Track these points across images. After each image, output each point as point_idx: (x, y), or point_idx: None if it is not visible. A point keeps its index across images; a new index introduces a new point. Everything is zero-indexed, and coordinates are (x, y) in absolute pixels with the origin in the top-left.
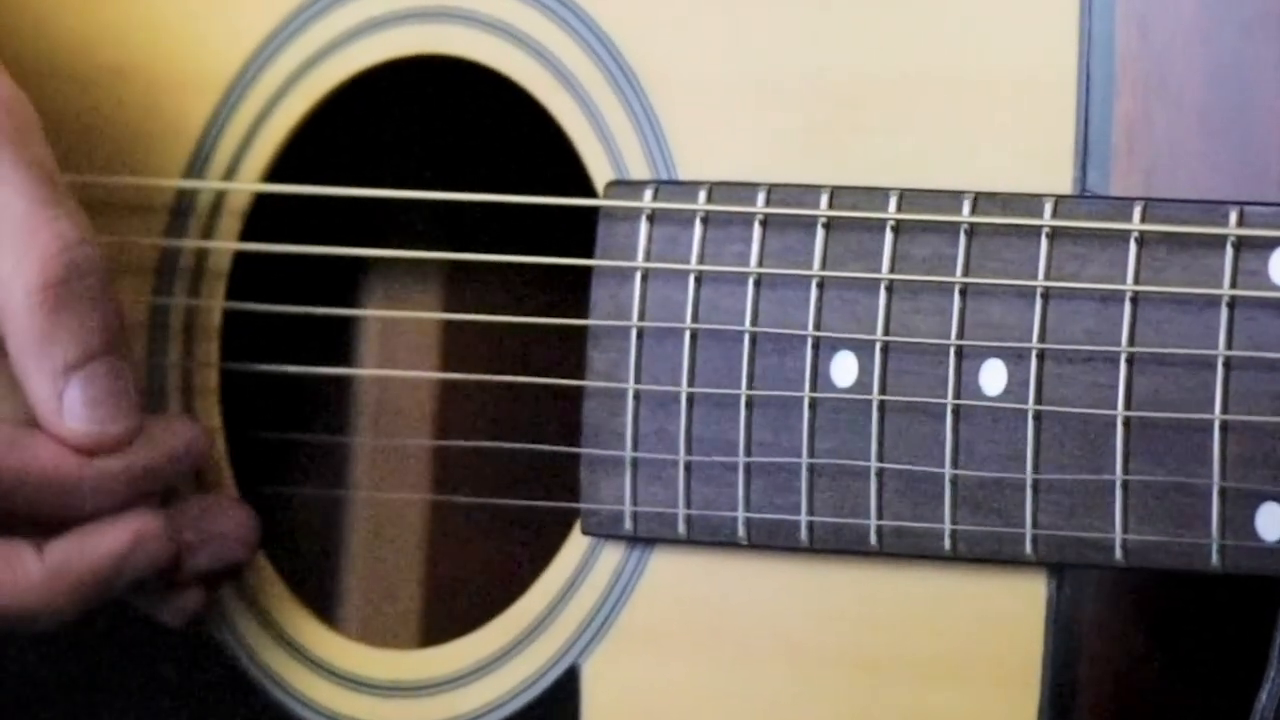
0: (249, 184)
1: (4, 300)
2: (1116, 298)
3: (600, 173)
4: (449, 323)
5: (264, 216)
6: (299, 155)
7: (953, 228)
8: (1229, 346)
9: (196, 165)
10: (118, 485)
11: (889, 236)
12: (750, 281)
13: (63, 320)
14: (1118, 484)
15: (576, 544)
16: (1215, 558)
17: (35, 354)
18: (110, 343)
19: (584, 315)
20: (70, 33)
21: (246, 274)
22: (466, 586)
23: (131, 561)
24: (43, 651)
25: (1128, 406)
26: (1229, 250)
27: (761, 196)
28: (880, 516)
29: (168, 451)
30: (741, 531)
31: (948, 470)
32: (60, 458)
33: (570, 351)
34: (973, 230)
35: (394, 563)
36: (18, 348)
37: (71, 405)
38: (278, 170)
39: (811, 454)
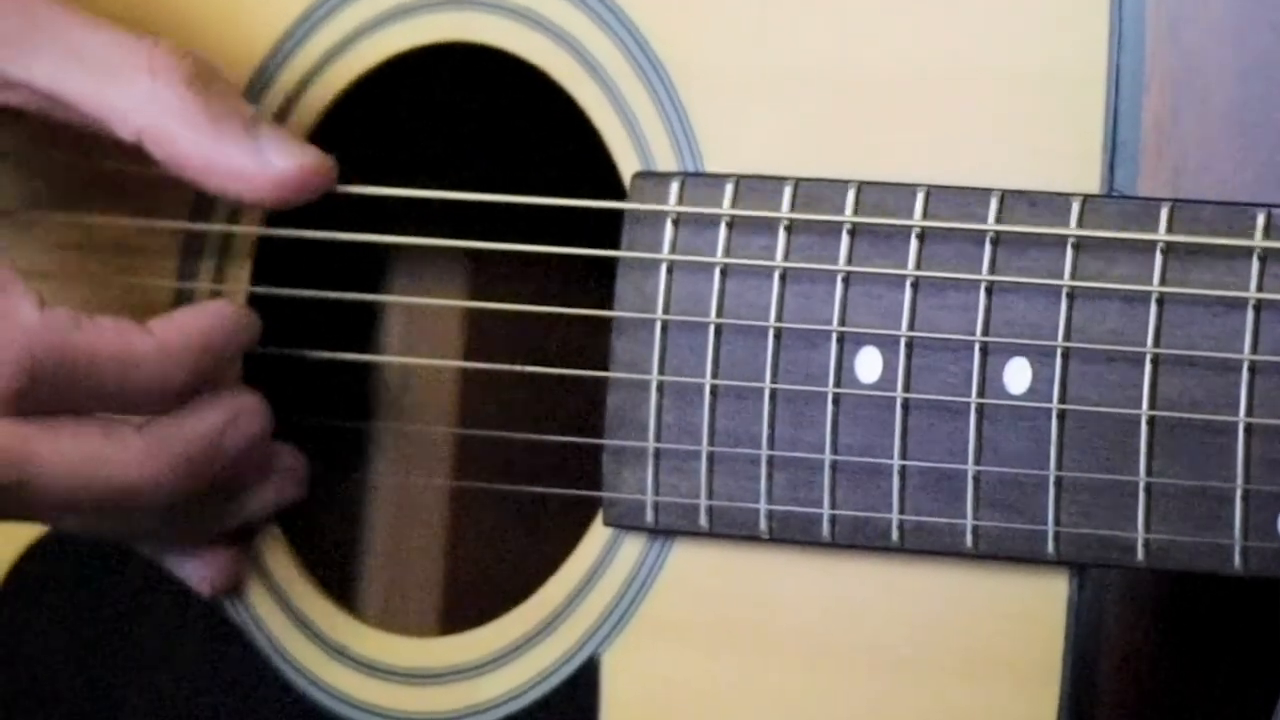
0: None
1: (158, 117)
2: (1142, 298)
3: (627, 163)
4: (473, 311)
5: None
6: (328, 139)
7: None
8: (1254, 349)
9: None
10: (180, 356)
11: (915, 232)
12: (775, 275)
13: (217, 100)
14: (1140, 484)
15: (598, 535)
16: (1237, 560)
17: (217, 133)
18: (253, 111)
19: (609, 305)
20: (100, 12)
21: (271, 259)
22: (487, 574)
23: (230, 435)
24: (64, 632)
25: (1152, 407)
26: (1256, 252)
27: (788, 190)
28: (902, 512)
29: (218, 322)
30: (763, 525)
31: (970, 467)
32: (123, 332)
33: (596, 341)
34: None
35: (415, 549)
36: (197, 142)
37: (277, 150)
38: None
39: (834, 449)
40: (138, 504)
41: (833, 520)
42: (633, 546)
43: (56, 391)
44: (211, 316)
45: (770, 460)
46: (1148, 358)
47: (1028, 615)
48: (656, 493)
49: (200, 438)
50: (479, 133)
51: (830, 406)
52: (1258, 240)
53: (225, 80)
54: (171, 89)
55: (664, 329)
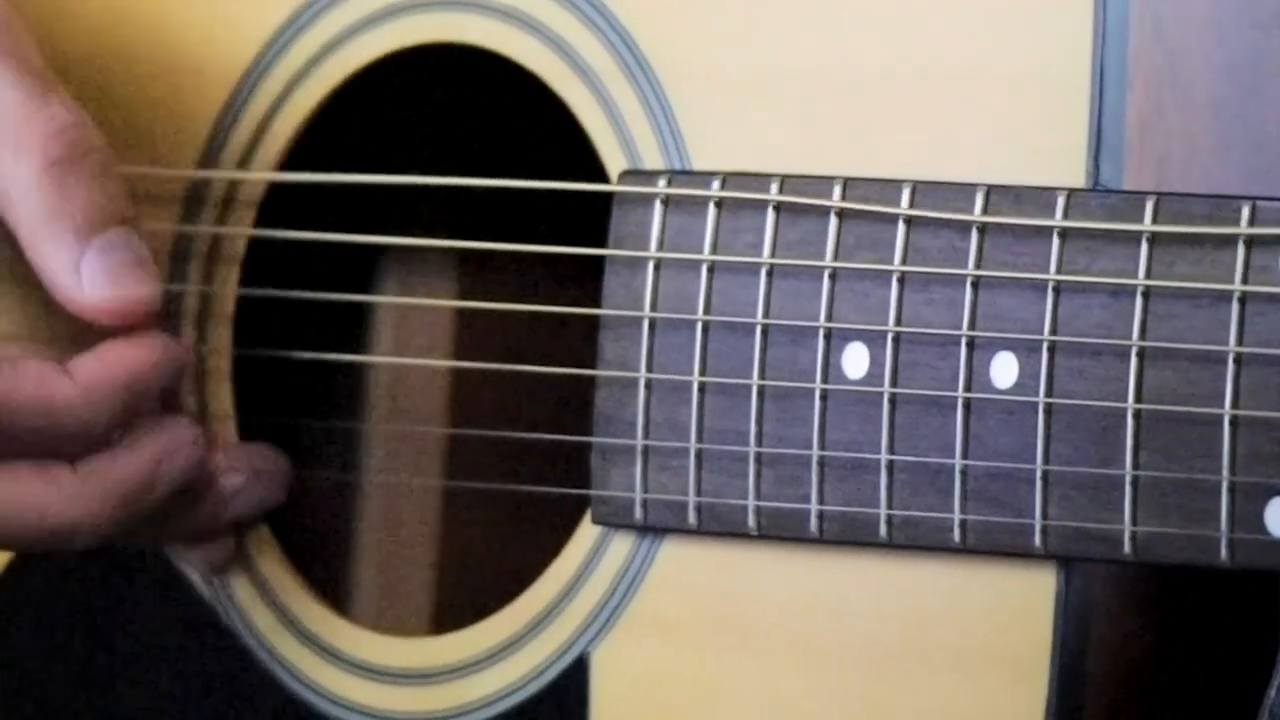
0: (264, 173)
1: (9, 190)
2: (1128, 291)
3: (615, 163)
4: (463, 310)
5: (279, 203)
6: (314, 142)
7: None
8: (1239, 341)
9: (211, 152)
10: (102, 398)
11: (901, 228)
12: (762, 272)
13: (70, 195)
14: (1127, 478)
15: (587, 533)
16: (1224, 552)
17: (47, 232)
18: (121, 214)
19: (598, 303)
20: (85, 16)
21: (260, 261)
22: (480, 573)
23: (165, 468)
24: (54, 634)
25: (1138, 400)
26: (1240, 245)
27: (774, 187)
28: (890, 507)
29: (145, 358)
30: (751, 521)
31: (958, 462)
32: (44, 378)
33: (586, 338)
34: (985, 223)
35: (406, 549)
36: (30, 231)
37: (91, 275)
38: (293, 157)
39: (822, 445)
40: (74, 542)
41: (821, 516)
42: (622, 544)
43: None
44: (135, 353)
45: (758, 457)
46: (1133, 351)
47: (1016, 609)
48: (645, 490)
49: (134, 474)
50: (468, 134)
51: (818, 402)
52: (1242, 228)
53: (103, 171)
54: (28, 170)
55: (651, 326)
